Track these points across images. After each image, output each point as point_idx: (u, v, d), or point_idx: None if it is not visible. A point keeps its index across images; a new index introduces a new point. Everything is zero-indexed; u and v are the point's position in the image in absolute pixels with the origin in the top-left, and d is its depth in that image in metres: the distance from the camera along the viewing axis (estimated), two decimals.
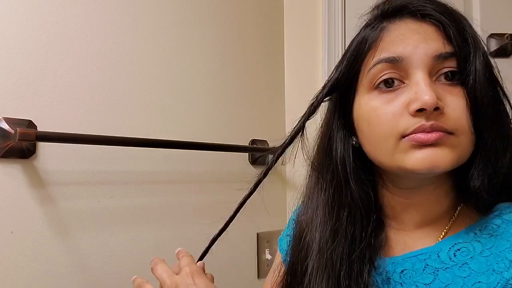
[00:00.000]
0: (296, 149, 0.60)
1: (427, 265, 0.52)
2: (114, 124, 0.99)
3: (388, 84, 0.51)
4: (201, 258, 0.67)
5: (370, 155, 0.55)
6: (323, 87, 0.58)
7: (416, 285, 0.52)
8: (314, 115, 0.59)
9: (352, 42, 0.56)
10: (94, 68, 0.97)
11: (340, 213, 0.56)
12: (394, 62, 0.50)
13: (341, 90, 0.57)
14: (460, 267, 0.50)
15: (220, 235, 0.66)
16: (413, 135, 0.48)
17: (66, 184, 0.91)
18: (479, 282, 0.48)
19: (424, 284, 0.52)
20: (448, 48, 0.49)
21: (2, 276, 0.81)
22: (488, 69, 0.51)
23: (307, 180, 0.63)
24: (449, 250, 0.52)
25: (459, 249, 0.51)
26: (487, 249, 0.49)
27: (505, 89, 0.53)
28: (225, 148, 1.19)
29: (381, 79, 0.51)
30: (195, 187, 1.14)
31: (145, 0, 1.07)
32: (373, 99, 0.52)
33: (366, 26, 0.55)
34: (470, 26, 0.51)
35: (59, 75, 0.91)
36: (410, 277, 0.53)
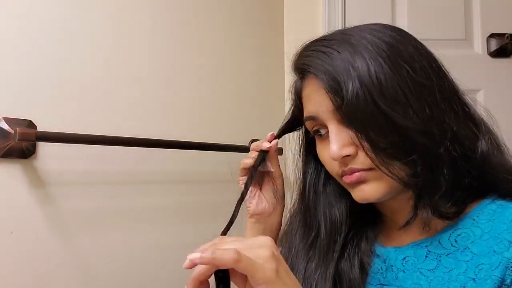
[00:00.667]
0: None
1: (429, 251, 0.55)
2: (114, 124, 0.99)
3: (320, 133, 0.58)
4: (224, 233, 0.68)
5: None
6: (284, 127, 0.68)
7: (420, 271, 0.54)
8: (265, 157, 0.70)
9: (291, 85, 0.64)
10: (94, 68, 0.97)
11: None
12: (313, 119, 0.57)
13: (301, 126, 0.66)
14: (462, 251, 0.53)
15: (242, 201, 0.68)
16: (344, 177, 0.55)
17: (66, 184, 0.91)
18: (482, 264, 0.50)
19: (428, 270, 0.54)
20: (335, 102, 0.52)
21: (2, 276, 0.81)
22: (366, 96, 0.50)
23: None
24: (449, 237, 0.55)
25: (459, 235, 0.54)
26: (486, 232, 0.52)
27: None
28: (225, 148, 1.19)
29: (314, 132, 0.59)
30: (195, 187, 1.14)
31: (145, 0, 1.07)
32: (317, 144, 0.60)
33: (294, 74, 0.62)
34: (344, 58, 0.52)
35: (59, 75, 0.91)
36: (412, 263, 0.56)
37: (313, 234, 0.62)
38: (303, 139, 0.67)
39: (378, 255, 0.60)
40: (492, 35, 1.37)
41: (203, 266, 0.42)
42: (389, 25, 0.57)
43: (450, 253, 0.53)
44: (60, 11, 0.92)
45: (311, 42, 0.58)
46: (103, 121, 0.97)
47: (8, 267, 0.82)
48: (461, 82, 0.58)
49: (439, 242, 0.55)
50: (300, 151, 0.68)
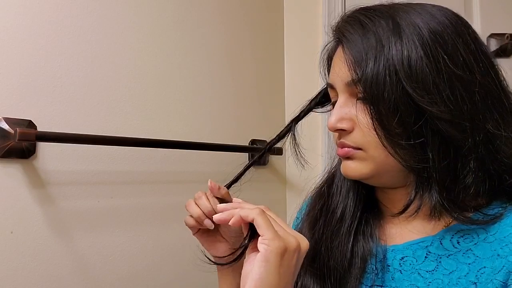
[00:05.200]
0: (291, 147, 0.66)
1: (429, 252, 0.53)
2: (114, 124, 0.99)
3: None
4: (228, 187, 0.70)
5: None
6: (317, 95, 0.66)
7: (418, 273, 0.53)
8: (303, 118, 0.67)
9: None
10: (94, 68, 0.97)
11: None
12: (331, 87, 0.59)
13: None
14: (464, 253, 0.51)
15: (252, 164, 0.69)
16: (337, 149, 0.57)
17: (66, 184, 0.91)
18: (484, 267, 0.49)
19: (427, 271, 0.52)
20: (354, 75, 0.53)
21: (2, 276, 0.81)
22: (392, 78, 0.49)
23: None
24: (452, 238, 0.53)
25: (462, 236, 0.52)
26: (491, 235, 0.51)
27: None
28: (225, 148, 1.19)
29: (332, 101, 0.60)
30: (195, 187, 1.14)
31: (145, 0, 1.07)
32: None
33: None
34: (379, 35, 0.51)
35: (59, 75, 0.91)
36: (410, 264, 0.54)
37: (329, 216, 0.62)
38: None
39: (373, 255, 0.57)
40: (492, 35, 1.37)
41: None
42: (448, 11, 0.54)
43: (451, 255, 0.52)
44: (60, 11, 0.92)
45: (358, 8, 0.58)
46: (103, 121, 0.97)
47: (8, 267, 0.82)
48: None
49: (441, 243, 0.53)
50: None
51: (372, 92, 0.50)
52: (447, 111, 0.49)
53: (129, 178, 1.01)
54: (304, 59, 1.42)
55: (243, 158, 1.26)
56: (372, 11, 0.54)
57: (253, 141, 1.29)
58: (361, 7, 0.57)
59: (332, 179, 0.65)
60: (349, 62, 0.53)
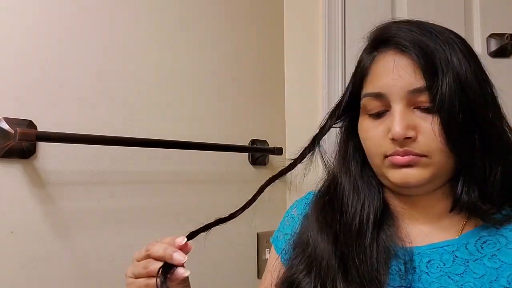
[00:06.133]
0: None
1: (456, 256, 0.56)
2: (114, 124, 0.99)
3: (378, 112, 0.59)
4: (190, 238, 0.64)
5: (371, 166, 0.63)
6: (336, 108, 0.65)
7: (448, 276, 0.55)
8: (325, 134, 0.66)
9: (356, 64, 0.64)
10: (94, 68, 0.97)
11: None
12: (377, 97, 0.58)
13: (350, 111, 0.65)
14: (489, 258, 0.54)
15: (216, 225, 0.66)
16: (391, 157, 0.56)
17: (66, 184, 0.91)
18: None
19: (456, 275, 0.55)
20: (420, 83, 0.55)
21: (2, 276, 0.81)
22: (459, 91, 0.54)
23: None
24: (476, 243, 0.56)
25: (485, 242, 0.56)
26: (510, 241, 0.55)
27: (499, 106, 0.59)
28: (225, 148, 1.19)
29: (369, 111, 0.60)
30: (195, 187, 1.14)
31: (145, 0, 1.07)
32: (366, 121, 0.60)
33: (364, 50, 0.63)
34: (442, 49, 0.55)
35: (59, 75, 0.91)
36: (437, 267, 0.56)
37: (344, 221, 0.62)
38: (348, 124, 0.67)
39: (398, 257, 0.58)
40: (492, 35, 1.37)
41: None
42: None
43: (477, 259, 0.55)
44: (61, 11, 0.92)
45: (396, 20, 0.60)
46: (104, 121, 0.97)
47: (8, 267, 0.82)
48: None
49: (466, 248, 0.56)
50: (341, 137, 0.67)
51: (443, 102, 0.53)
52: (498, 120, 0.57)
53: (129, 178, 1.01)
54: (304, 59, 1.42)
55: (243, 158, 1.26)
56: (417, 23, 0.58)
57: (253, 141, 1.29)
58: (400, 20, 0.60)
59: (335, 185, 0.65)
60: (420, 70, 0.54)
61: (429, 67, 0.54)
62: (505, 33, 1.34)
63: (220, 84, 1.23)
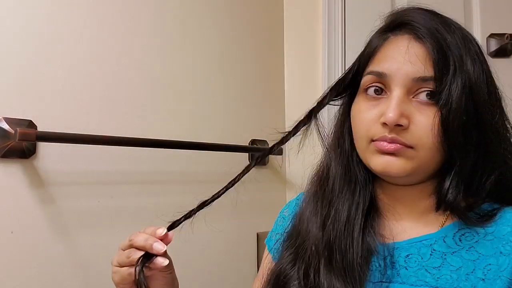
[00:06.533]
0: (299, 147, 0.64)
1: (434, 250, 0.56)
2: (114, 124, 0.99)
3: (377, 91, 0.57)
4: (170, 228, 0.66)
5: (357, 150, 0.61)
6: (337, 84, 0.63)
7: (426, 269, 0.55)
8: (321, 109, 0.63)
9: (365, 44, 0.62)
10: (94, 68, 0.97)
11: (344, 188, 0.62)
12: (380, 76, 0.56)
13: (350, 90, 0.63)
14: (467, 250, 0.54)
15: (200, 209, 0.67)
16: (377, 142, 0.55)
17: (66, 184, 0.91)
18: (490, 264, 0.52)
19: (434, 268, 0.54)
20: (428, 72, 0.53)
21: (2, 276, 0.81)
22: (467, 93, 0.53)
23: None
24: (454, 236, 0.56)
25: (463, 234, 0.55)
26: (489, 233, 0.54)
27: (503, 110, 0.58)
28: (225, 148, 1.19)
29: (369, 87, 0.58)
30: (195, 187, 1.14)
31: (145, 0, 1.07)
32: (361, 102, 0.59)
33: (376, 32, 0.62)
34: (459, 45, 0.55)
35: (59, 75, 0.91)
36: (415, 261, 0.56)
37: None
38: (346, 104, 0.65)
39: (378, 252, 0.58)
40: (492, 35, 1.37)
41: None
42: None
43: (455, 252, 0.54)
44: (61, 11, 0.92)
45: (416, 6, 0.59)
46: (103, 121, 0.97)
47: (8, 267, 0.82)
48: None
49: (444, 241, 0.56)
50: (338, 117, 0.66)
51: (448, 101, 0.52)
52: (500, 126, 0.56)
53: (129, 178, 1.01)
54: (304, 59, 1.42)
55: (243, 158, 1.26)
56: (442, 15, 0.58)
57: (253, 141, 1.29)
58: (426, 8, 0.58)
59: (327, 175, 0.64)
60: (431, 60, 0.53)
61: (441, 60, 0.53)
62: (505, 33, 1.34)
63: (220, 84, 1.23)
